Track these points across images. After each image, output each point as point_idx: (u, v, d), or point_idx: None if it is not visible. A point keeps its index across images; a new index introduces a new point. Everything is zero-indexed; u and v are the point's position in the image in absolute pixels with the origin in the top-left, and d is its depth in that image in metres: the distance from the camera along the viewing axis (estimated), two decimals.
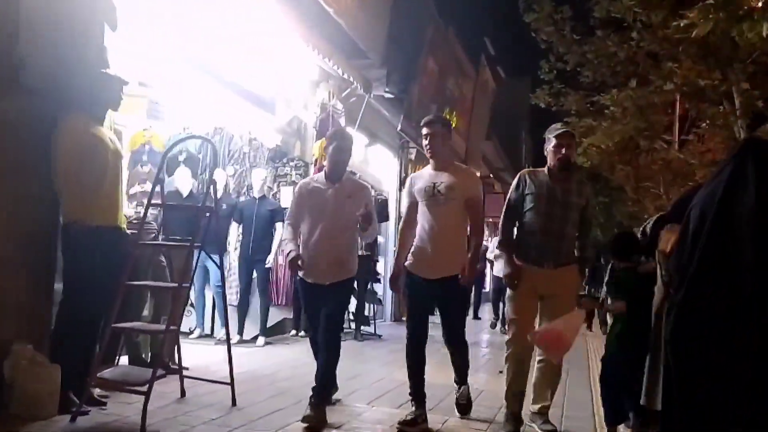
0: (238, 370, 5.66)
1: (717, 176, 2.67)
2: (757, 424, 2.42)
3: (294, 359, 6.94)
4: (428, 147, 4.68)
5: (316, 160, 9.08)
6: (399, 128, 11.17)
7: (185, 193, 7.02)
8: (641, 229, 5.17)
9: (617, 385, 4.48)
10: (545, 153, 4.59)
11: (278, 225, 7.80)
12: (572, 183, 4.52)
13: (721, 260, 2.53)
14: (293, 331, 8.86)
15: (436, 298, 4.71)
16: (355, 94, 9.84)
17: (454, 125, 15.13)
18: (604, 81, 13.19)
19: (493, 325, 12.56)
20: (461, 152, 16.95)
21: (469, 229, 4.83)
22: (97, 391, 4.41)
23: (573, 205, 4.48)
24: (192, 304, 7.63)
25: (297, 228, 4.80)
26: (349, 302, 5.28)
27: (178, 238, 5.63)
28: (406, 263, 4.70)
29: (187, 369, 5.36)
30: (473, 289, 13.64)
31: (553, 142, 4.51)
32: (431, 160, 4.73)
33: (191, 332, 7.82)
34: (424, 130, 4.68)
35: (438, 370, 7.06)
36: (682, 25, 8.20)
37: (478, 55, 17.28)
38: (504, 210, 4.62)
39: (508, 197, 4.64)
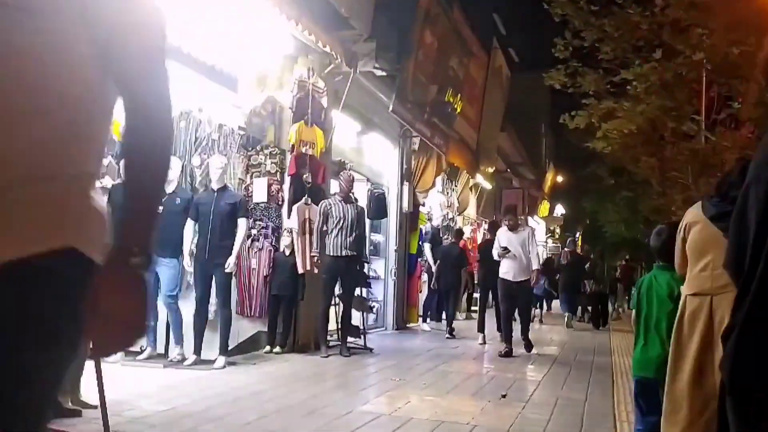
0: (161, 407, 4.65)
1: None
2: None
3: (246, 386, 5.74)
4: None
5: (293, 147, 7.97)
6: (390, 109, 9.89)
7: None
8: None
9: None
10: None
11: (241, 221, 6.72)
12: None
13: None
14: (268, 347, 7.69)
15: None
16: (341, 71, 8.67)
17: (459, 110, 13.96)
18: (626, 57, 11.97)
19: (508, 354, 8.82)
20: (472, 143, 15.68)
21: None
22: None
23: None
24: None
25: None
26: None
27: None
28: None
29: (93, 408, 4.18)
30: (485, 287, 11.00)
31: None
32: None
33: (141, 351, 6.64)
34: None
35: (423, 397, 6.06)
36: None
37: (488, 35, 15.98)
38: None
39: None
